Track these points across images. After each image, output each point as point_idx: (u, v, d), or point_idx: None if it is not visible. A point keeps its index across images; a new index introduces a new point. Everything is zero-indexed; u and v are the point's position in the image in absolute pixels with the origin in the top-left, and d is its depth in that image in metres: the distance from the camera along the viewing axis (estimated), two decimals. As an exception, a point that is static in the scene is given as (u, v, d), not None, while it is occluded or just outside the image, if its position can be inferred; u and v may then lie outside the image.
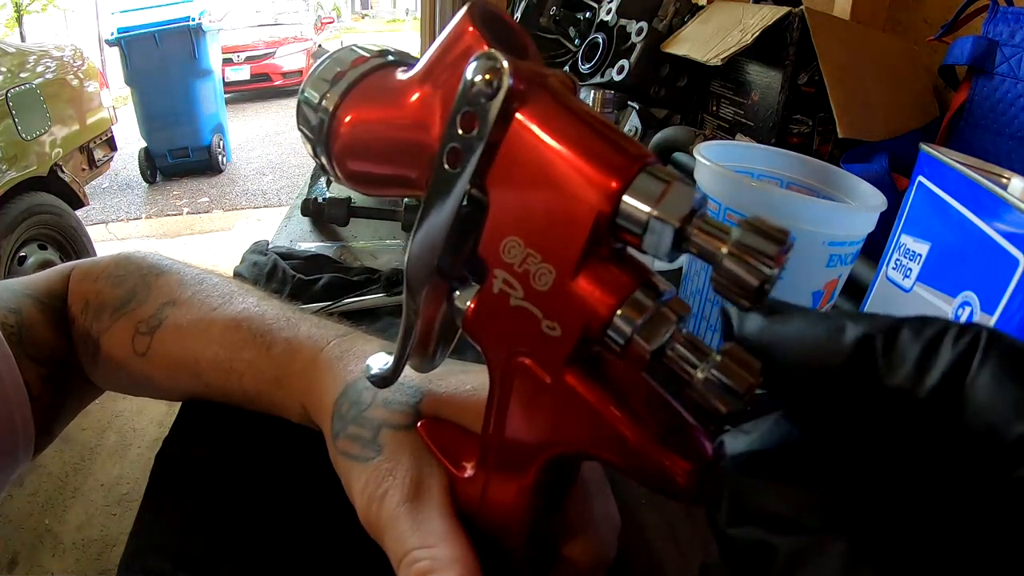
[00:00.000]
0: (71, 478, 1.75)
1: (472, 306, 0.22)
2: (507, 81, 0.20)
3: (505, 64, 0.20)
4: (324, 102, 0.25)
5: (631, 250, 0.20)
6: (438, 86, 0.23)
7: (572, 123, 0.20)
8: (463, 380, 0.30)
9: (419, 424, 0.28)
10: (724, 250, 0.17)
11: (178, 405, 0.41)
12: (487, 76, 0.20)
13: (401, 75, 0.24)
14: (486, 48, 0.21)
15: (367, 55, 0.26)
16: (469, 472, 0.26)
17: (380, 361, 0.28)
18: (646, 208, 0.18)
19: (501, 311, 0.21)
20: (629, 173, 0.19)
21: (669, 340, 0.19)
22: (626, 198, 0.19)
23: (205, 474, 0.37)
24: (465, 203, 0.22)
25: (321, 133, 0.25)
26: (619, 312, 0.19)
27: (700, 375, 0.18)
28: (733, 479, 0.17)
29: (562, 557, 0.26)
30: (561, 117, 0.20)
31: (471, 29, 0.22)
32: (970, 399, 0.14)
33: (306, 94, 0.26)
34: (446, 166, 0.21)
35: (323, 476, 0.30)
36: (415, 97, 0.23)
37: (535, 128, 0.20)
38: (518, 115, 0.20)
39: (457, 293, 0.23)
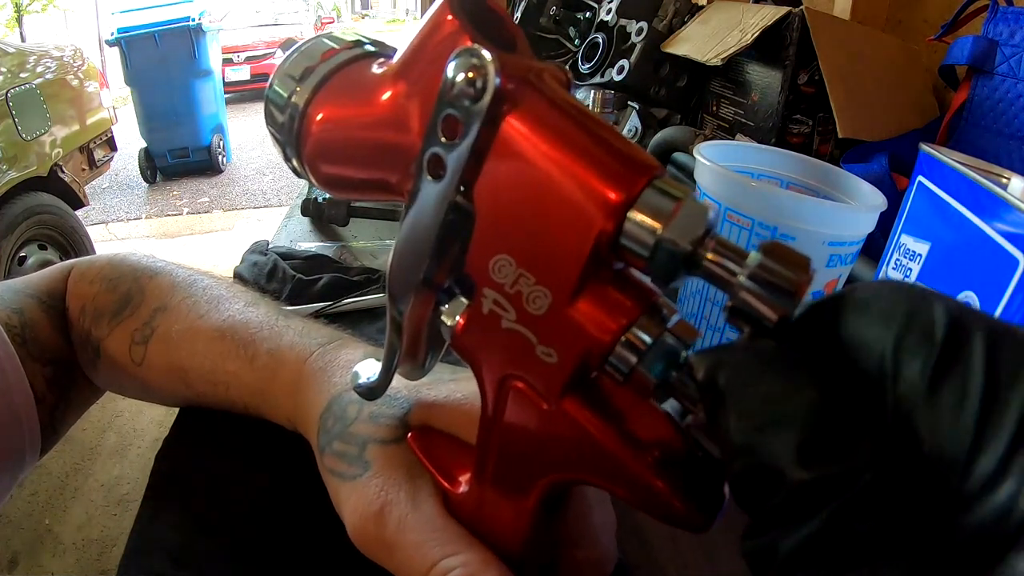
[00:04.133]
0: (71, 478, 1.74)
1: (461, 322, 0.20)
2: (493, 80, 0.17)
3: (490, 60, 0.17)
4: (293, 98, 0.23)
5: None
6: (416, 82, 0.20)
7: (570, 128, 0.18)
8: (453, 388, 0.29)
9: (409, 436, 0.27)
10: (741, 279, 0.15)
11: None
12: (470, 74, 0.17)
13: (377, 69, 0.22)
14: (468, 40, 0.19)
15: (337, 47, 0.23)
16: (464, 488, 0.24)
17: (368, 370, 0.26)
18: (654, 227, 0.16)
19: (492, 332, 0.19)
20: (635, 186, 0.17)
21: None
22: (631, 214, 0.16)
23: (205, 474, 0.37)
24: (450, 211, 0.20)
25: (291, 134, 0.23)
26: (622, 339, 0.17)
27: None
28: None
29: (562, 567, 0.26)
30: (557, 121, 0.18)
31: (450, 18, 0.19)
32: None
33: (273, 91, 0.23)
34: (427, 176, 0.19)
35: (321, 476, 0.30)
36: (391, 94, 0.21)
37: (527, 133, 0.18)
38: (507, 118, 0.18)
39: (445, 307, 0.21)
